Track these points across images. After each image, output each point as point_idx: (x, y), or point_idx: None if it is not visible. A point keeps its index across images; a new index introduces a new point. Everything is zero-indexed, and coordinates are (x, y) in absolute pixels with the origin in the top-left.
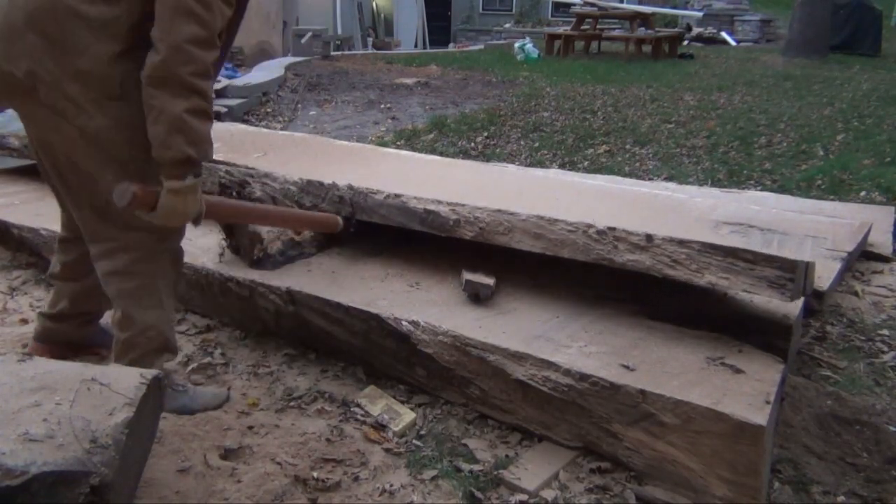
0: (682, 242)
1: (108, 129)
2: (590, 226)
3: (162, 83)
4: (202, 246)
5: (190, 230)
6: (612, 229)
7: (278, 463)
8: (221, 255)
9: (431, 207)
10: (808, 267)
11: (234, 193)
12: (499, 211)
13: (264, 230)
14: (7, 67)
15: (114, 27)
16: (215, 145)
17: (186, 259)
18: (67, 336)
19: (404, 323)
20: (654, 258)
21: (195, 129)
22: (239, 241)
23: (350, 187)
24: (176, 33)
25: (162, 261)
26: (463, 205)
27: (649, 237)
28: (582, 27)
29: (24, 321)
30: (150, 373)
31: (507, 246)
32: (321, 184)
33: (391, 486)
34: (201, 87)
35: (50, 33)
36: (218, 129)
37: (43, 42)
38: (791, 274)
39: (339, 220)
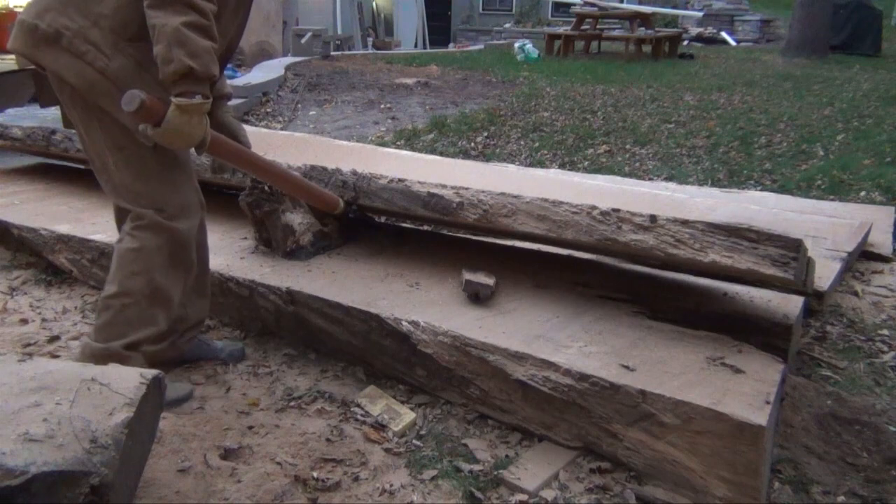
0: (685, 223)
1: (126, 68)
2: (593, 207)
3: (160, 2)
4: None
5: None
6: (616, 210)
7: (278, 463)
8: (255, 248)
9: (435, 191)
10: (808, 265)
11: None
12: (502, 194)
13: (296, 222)
14: (33, 21)
15: None
16: None
17: None
18: (174, 355)
19: (404, 323)
20: (658, 238)
21: (195, 41)
22: (271, 233)
23: (353, 172)
24: None
25: (163, 234)
26: (466, 188)
27: (653, 217)
28: (582, 27)
29: (24, 321)
30: (151, 373)
31: (511, 229)
32: (325, 169)
33: (391, 486)
34: (200, 5)
35: None
36: None
37: None
38: (794, 252)
39: (340, 200)
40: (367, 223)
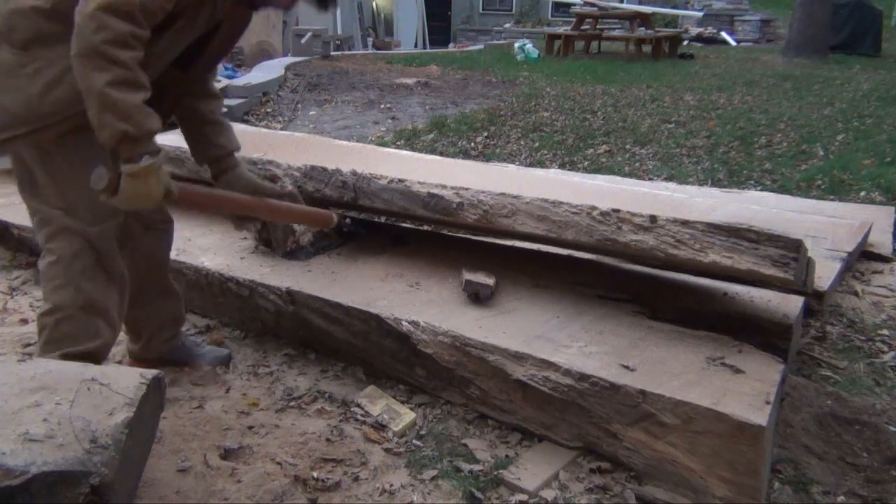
0: (685, 223)
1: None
2: (593, 207)
3: (81, 57)
4: (202, 246)
5: (187, 228)
6: (616, 211)
7: (278, 463)
8: (255, 248)
9: (435, 191)
10: (808, 266)
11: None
12: (502, 194)
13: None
14: None
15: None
16: None
17: (186, 259)
18: (151, 357)
19: (404, 323)
20: (658, 238)
21: (122, 102)
22: (272, 233)
23: (353, 172)
24: (91, 2)
25: (76, 241)
26: (466, 189)
27: (653, 218)
28: (582, 27)
29: (24, 321)
30: (151, 373)
31: (511, 229)
32: (324, 169)
33: (391, 486)
34: (119, 57)
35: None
36: None
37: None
38: (795, 253)
39: (333, 215)
40: (367, 223)
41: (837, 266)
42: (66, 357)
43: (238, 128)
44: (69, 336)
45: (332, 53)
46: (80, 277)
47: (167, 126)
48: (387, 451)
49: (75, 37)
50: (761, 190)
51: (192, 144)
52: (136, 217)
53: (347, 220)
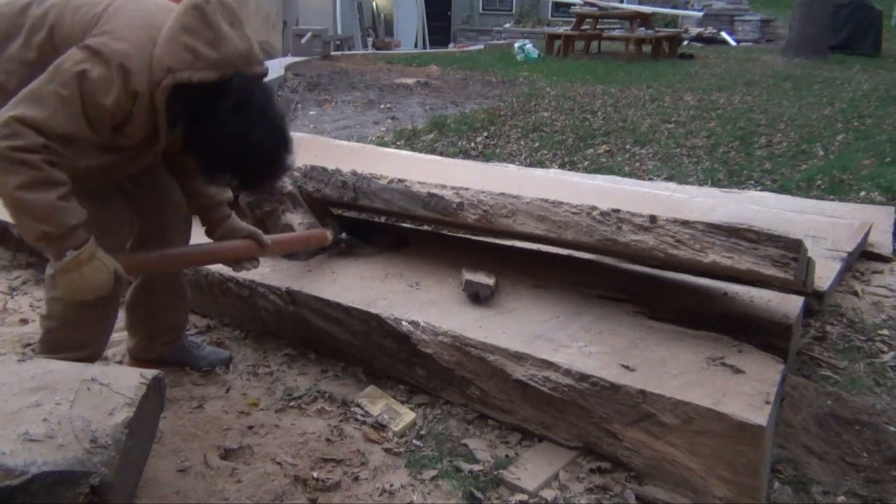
0: (685, 223)
1: None
2: (593, 207)
3: None
4: None
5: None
6: (616, 211)
7: (278, 463)
8: None
9: (435, 191)
10: (808, 266)
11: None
12: (502, 194)
13: (296, 222)
14: None
15: (13, 66)
16: None
17: None
18: (151, 357)
19: (404, 323)
20: (658, 238)
21: (35, 203)
22: (271, 233)
23: (353, 172)
24: (12, 108)
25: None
26: (466, 189)
27: (653, 218)
28: (582, 27)
29: (24, 321)
30: (151, 373)
31: (511, 229)
32: (324, 169)
33: (391, 486)
34: (28, 160)
35: None
36: None
37: None
38: (794, 253)
39: (328, 233)
40: (365, 231)
41: (837, 266)
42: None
43: None
44: (58, 344)
45: (332, 53)
46: (75, 302)
47: None
48: (387, 451)
49: None
50: (761, 190)
51: (184, 194)
52: (157, 218)
53: (343, 235)
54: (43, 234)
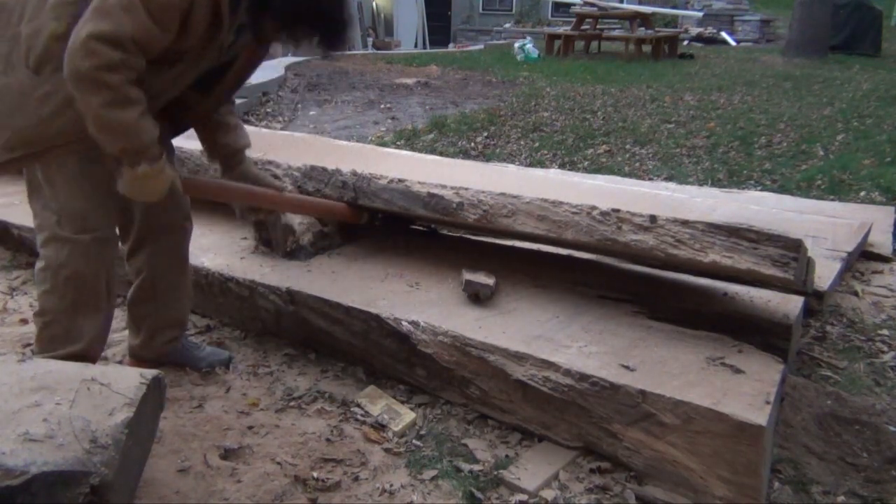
0: (685, 223)
1: (14, 91)
2: (593, 207)
3: (71, 78)
4: (202, 246)
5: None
6: (616, 210)
7: (278, 463)
8: (255, 248)
9: (435, 191)
10: (808, 265)
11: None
12: (502, 194)
13: (296, 222)
14: None
15: (60, 10)
16: None
17: None
18: (150, 357)
19: (404, 323)
20: (658, 238)
21: (116, 121)
22: (271, 233)
23: (353, 173)
24: (83, 27)
25: (64, 249)
26: (466, 188)
27: (653, 217)
28: (582, 27)
29: (24, 321)
30: (151, 373)
31: (511, 229)
32: (325, 169)
33: (391, 486)
34: (109, 80)
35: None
36: None
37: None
38: (794, 253)
39: (365, 214)
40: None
41: (837, 266)
42: (55, 358)
43: None
44: (54, 339)
45: (332, 53)
46: (65, 285)
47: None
48: (387, 451)
49: (66, 60)
50: (761, 190)
51: (203, 143)
52: (158, 218)
53: (379, 214)
54: (122, 149)
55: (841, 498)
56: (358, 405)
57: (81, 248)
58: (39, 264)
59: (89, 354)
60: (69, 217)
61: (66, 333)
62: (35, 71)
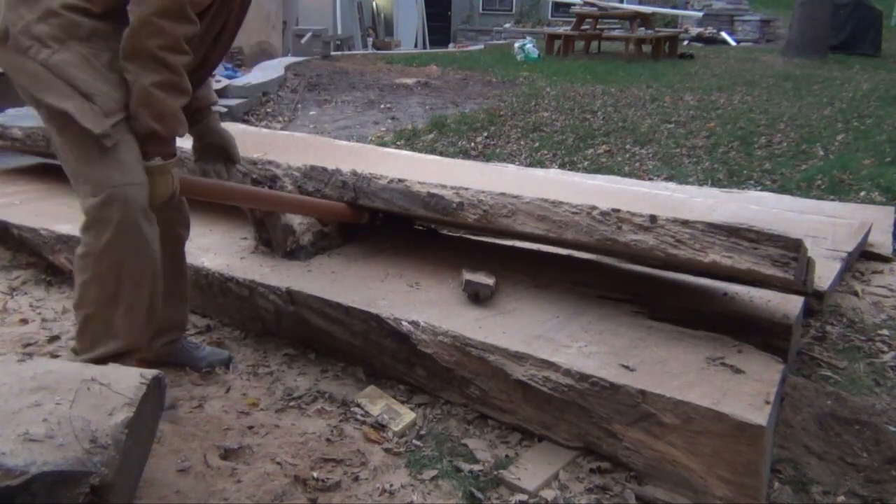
0: (685, 223)
1: (69, 61)
2: (593, 207)
3: (132, 56)
4: (202, 246)
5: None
6: (616, 210)
7: (278, 463)
8: (255, 248)
9: (435, 191)
10: (808, 265)
11: (267, 187)
12: (502, 194)
13: (296, 222)
14: None
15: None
16: None
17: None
18: (156, 355)
19: (404, 323)
20: (658, 238)
21: (161, 103)
22: (271, 233)
23: (353, 172)
24: (145, 4)
25: (108, 233)
26: (466, 188)
27: (653, 217)
28: (582, 27)
29: (24, 321)
30: (151, 373)
31: (511, 229)
32: (324, 169)
33: (391, 486)
34: (171, 62)
35: None
36: None
37: None
38: (795, 252)
39: (366, 214)
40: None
41: (837, 266)
42: (100, 360)
43: (238, 128)
44: (98, 333)
45: (332, 53)
46: (114, 282)
47: None
48: (387, 451)
49: (129, 37)
50: (761, 190)
51: None
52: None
53: (380, 214)
54: (152, 132)
55: (841, 498)
56: (358, 405)
57: (128, 224)
58: (80, 249)
59: (134, 346)
60: (114, 184)
61: (110, 328)
62: (93, 41)
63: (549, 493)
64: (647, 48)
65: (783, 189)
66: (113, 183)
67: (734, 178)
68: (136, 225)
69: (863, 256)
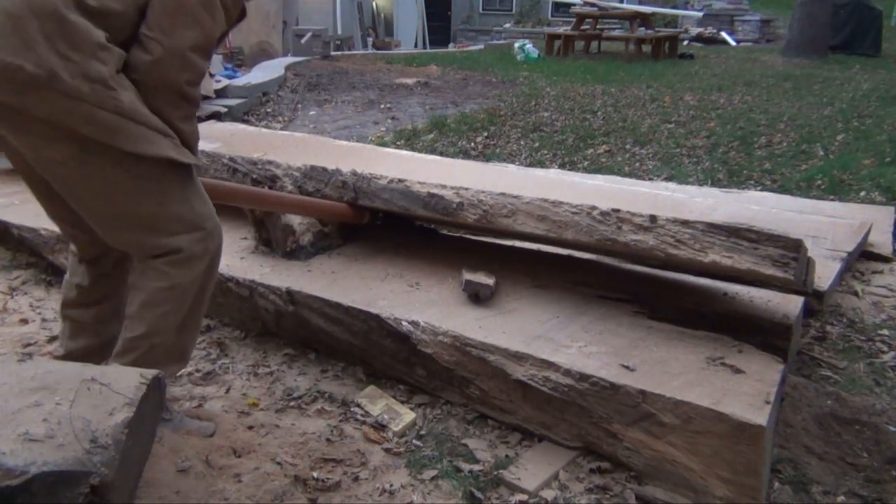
0: (685, 223)
1: (135, 100)
2: (593, 207)
3: (158, 88)
4: None
5: None
6: (616, 210)
7: (278, 463)
8: (255, 248)
9: (435, 191)
10: (808, 265)
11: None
12: (502, 194)
13: (296, 222)
14: (16, 61)
15: (117, 20)
16: (215, 145)
17: None
18: None
19: (404, 323)
20: (658, 238)
21: (182, 133)
22: (271, 233)
23: (353, 172)
24: (178, 38)
25: (201, 266)
26: (466, 188)
27: (653, 217)
28: (582, 27)
29: (24, 321)
30: (150, 373)
31: (511, 229)
32: (325, 169)
33: (391, 486)
34: (194, 96)
35: (60, 19)
36: (218, 129)
37: (55, 27)
38: (795, 253)
39: (367, 213)
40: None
41: (837, 266)
42: None
43: (238, 128)
44: (156, 360)
45: (332, 53)
46: (189, 303)
47: None
48: (387, 451)
49: (156, 67)
50: (761, 190)
51: None
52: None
53: (380, 214)
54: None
55: (841, 498)
56: (358, 405)
57: (217, 255)
58: (161, 282)
59: (182, 366)
60: (207, 219)
61: (175, 349)
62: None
63: (549, 493)
64: (647, 48)
65: (783, 189)
66: (209, 214)
67: (734, 178)
68: (221, 246)
69: (863, 256)
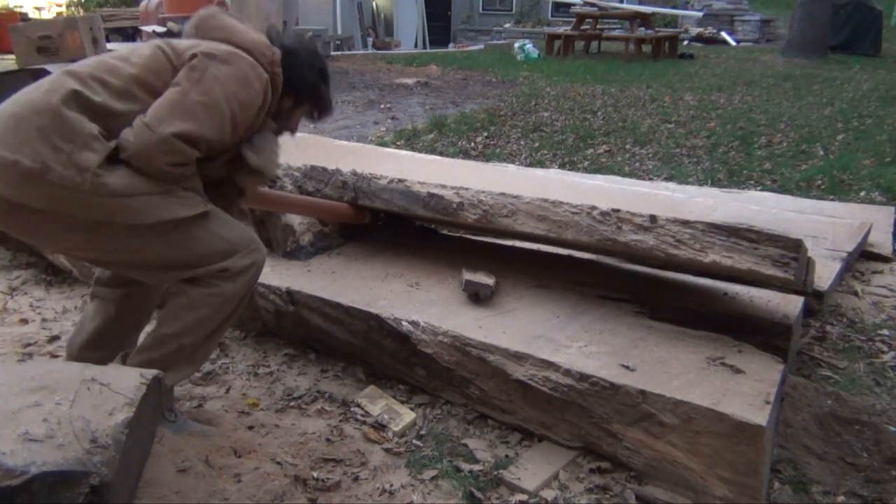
0: (685, 223)
1: (125, 175)
2: (593, 207)
3: (140, 163)
4: None
5: None
6: (616, 210)
7: (278, 463)
8: None
9: (435, 191)
10: (808, 265)
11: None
12: (502, 194)
13: (296, 222)
14: (11, 156)
15: (125, 119)
16: None
17: None
18: None
19: (404, 323)
20: (658, 238)
21: (184, 187)
22: (272, 233)
23: (353, 172)
24: (167, 125)
25: (246, 277)
26: (467, 189)
27: (653, 217)
28: (582, 27)
29: (24, 321)
30: (150, 373)
31: (511, 229)
32: (325, 169)
33: (391, 486)
34: (176, 174)
35: (56, 115)
36: None
37: (52, 122)
38: (794, 252)
39: (367, 214)
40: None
41: (837, 266)
42: (170, 381)
43: None
44: (175, 362)
45: (332, 53)
46: (225, 316)
47: None
48: (387, 451)
49: (140, 148)
50: (761, 190)
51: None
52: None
53: (382, 214)
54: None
55: (841, 498)
56: (358, 405)
57: (261, 267)
58: (208, 289)
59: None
60: (247, 241)
61: (194, 356)
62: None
63: (549, 493)
64: (647, 48)
65: (783, 189)
66: (240, 235)
67: (734, 178)
68: (264, 263)
69: (863, 256)
